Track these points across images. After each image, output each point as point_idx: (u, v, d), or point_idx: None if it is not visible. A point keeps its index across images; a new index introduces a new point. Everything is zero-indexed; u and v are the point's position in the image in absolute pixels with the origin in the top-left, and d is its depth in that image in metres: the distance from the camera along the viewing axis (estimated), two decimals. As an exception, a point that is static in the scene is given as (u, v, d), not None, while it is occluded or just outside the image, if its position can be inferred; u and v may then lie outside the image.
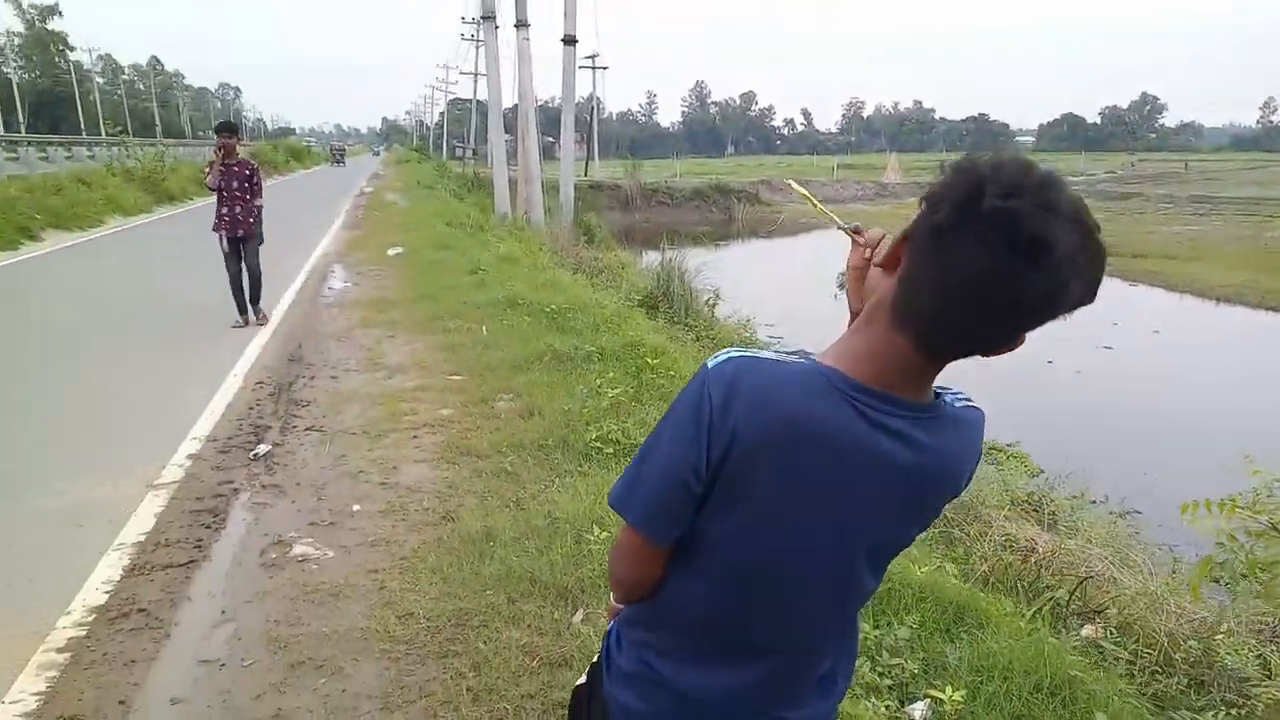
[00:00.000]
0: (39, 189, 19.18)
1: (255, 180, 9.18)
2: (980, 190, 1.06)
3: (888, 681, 2.96)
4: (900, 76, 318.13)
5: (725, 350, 1.28)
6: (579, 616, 3.49)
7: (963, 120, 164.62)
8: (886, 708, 2.77)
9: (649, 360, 6.81)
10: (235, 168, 9.04)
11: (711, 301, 13.72)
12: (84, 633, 3.51)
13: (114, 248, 16.23)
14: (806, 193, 1.76)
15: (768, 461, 1.23)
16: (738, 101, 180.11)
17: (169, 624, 3.58)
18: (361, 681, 3.17)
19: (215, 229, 9.15)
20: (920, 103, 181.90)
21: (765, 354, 1.26)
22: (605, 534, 3.92)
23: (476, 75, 56.69)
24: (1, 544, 4.25)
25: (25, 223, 16.34)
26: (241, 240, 9.12)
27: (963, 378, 1.34)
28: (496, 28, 21.29)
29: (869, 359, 1.21)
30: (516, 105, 22.66)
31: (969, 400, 1.36)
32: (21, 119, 74.37)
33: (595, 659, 1.62)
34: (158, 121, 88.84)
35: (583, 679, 1.68)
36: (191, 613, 3.68)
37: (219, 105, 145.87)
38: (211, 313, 9.27)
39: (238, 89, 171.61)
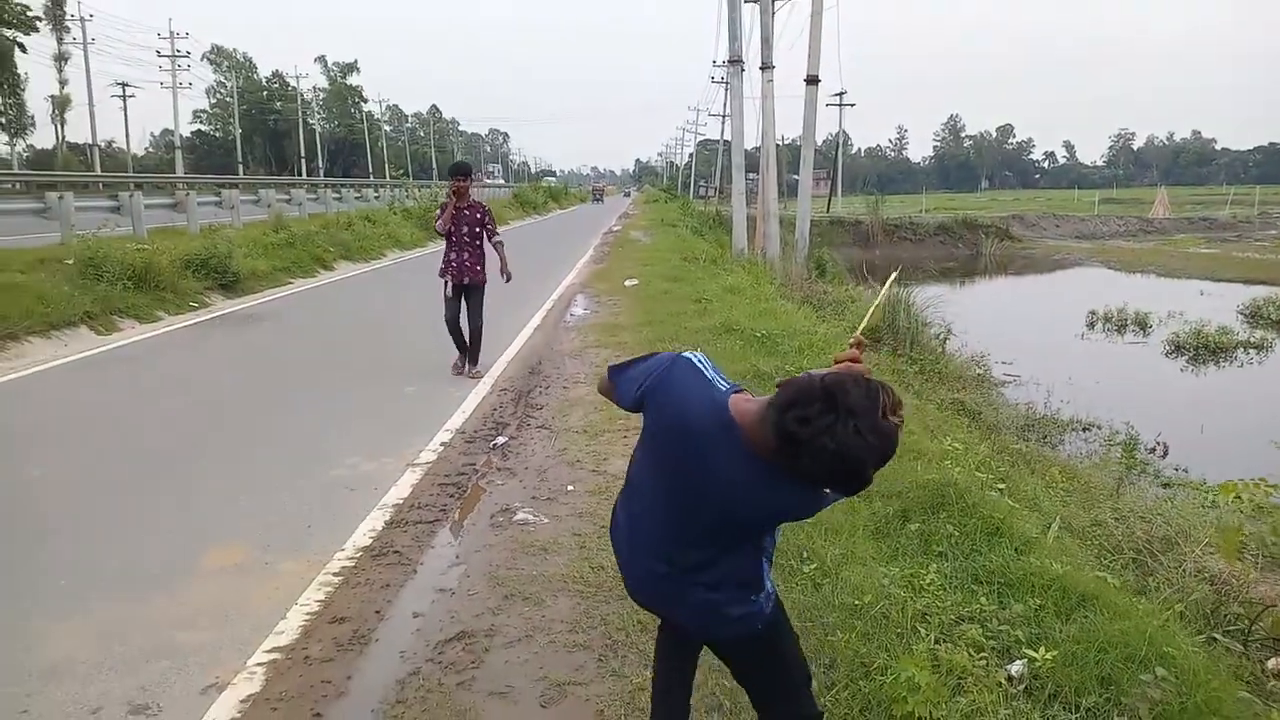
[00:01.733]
0: (333, 225, 22.07)
1: (488, 224, 8.69)
2: (789, 407, 1.72)
3: (994, 644, 3.36)
4: (1176, 104, 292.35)
5: (692, 352, 2.13)
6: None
7: (1249, 150, 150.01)
8: (985, 661, 3.18)
9: (844, 379, 7.26)
10: (467, 211, 8.59)
11: (942, 335, 13.74)
12: (353, 564, 4.50)
13: (392, 275, 18.49)
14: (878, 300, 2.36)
15: (659, 420, 2.10)
16: (994, 134, 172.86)
17: (415, 563, 4.53)
18: (557, 610, 3.93)
19: (441, 274, 8.73)
20: (1199, 133, 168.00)
21: (708, 370, 2.05)
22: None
23: (724, 117, 58.34)
24: (300, 500, 5.41)
25: (321, 254, 18.95)
26: (467, 290, 8.69)
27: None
28: (743, 70, 22.17)
29: (752, 424, 1.87)
30: (760, 145, 23.49)
31: None
32: (321, 163, 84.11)
33: None
34: (434, 164, 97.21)
35: None
36: (433, 556, 4.62)
37: (488, 149, 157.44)
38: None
39: (506, 134, 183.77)
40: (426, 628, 3.86)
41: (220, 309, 13.03)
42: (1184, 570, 5.87)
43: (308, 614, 3.99)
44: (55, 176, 27.56)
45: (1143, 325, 19.13)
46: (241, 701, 3.30)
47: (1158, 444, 9.72)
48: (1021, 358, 14.32)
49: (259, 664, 3.56)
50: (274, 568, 4.47)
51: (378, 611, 4.02)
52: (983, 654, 3.21)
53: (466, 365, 8.83)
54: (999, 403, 11.22)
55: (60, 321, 10.45)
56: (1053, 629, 3.44)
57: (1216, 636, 3.88)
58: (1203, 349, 16.42)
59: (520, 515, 5.05)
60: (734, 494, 1.96)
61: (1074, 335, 18.82)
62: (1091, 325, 19.61)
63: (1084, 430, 10.56)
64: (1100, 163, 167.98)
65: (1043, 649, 3.13)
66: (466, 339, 8.79)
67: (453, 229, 8.55)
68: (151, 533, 4.90)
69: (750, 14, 22.15)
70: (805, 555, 4.13)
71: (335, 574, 4.39)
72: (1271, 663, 4.52)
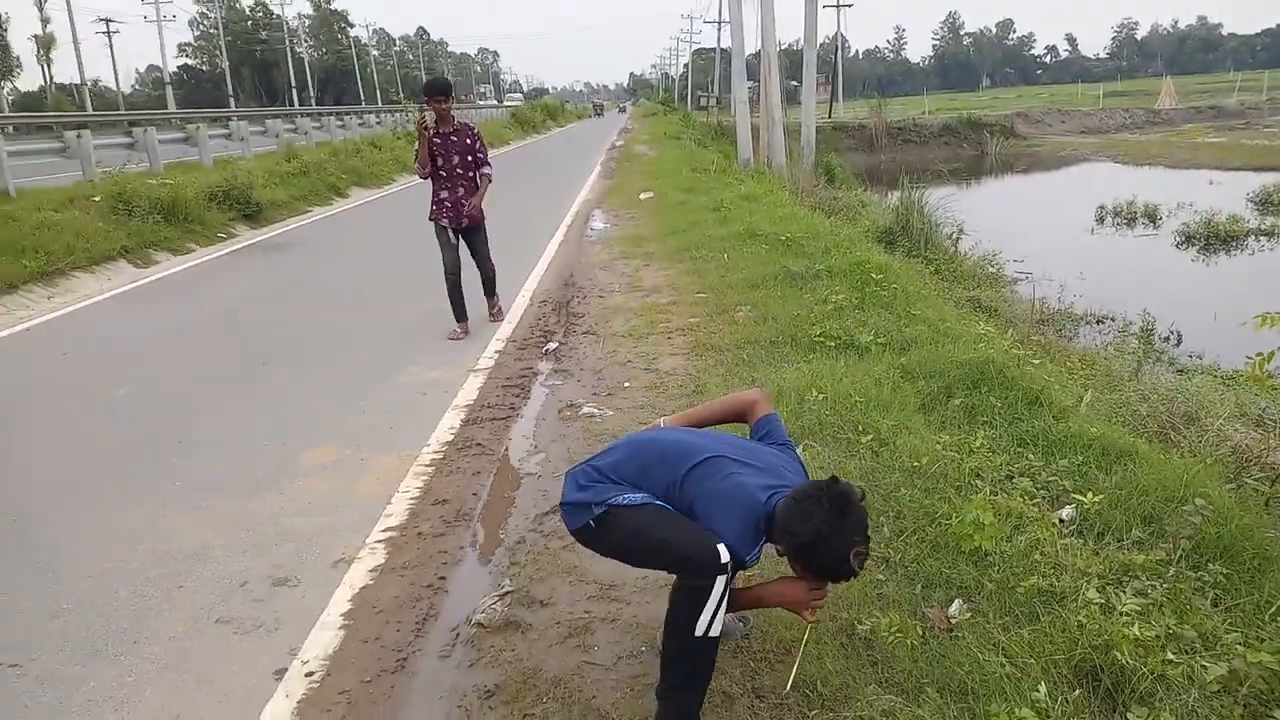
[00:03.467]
0: (342, 153, 22.06)
1: (479, 150, 7.27)
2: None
3: (1044, 493, 3.75)
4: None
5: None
6: (799, 449, 4.45)
7: (1257, 34, 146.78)
8: (1037, 506, 3.56)
9: (873, 275, 7.57)
10: (454, 138, 7.16)
11: (954, 236, 13.92)
12: (441, 456, 4.90)
13: (407, 200, 18.54)
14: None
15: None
16: (994, 30, 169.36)
17: (498, 453, 4.92)
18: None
19: (433, 217, 7.32)
20: (1204, 18, 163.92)
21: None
22: (822, 395, 4.86)
23: (720, 23, 57.65)
24: (377, 406, 5.80)
25: (335, 182, 19.12)
26: (466, 232, 7.39)
27: None
28: (741, -27, 21.90)
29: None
30: (759, 51, 23.26)
31: None
32: (312, 92, 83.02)
33: None
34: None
35: None
36: (513, 446, 5.01)
37: (479, 70, 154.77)
38: (497, 245, 10.73)
39: (496, 53, 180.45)
40: (522, 505, 4.25)
41: (248, 239, 13.29)
42: (1206, 440, 6.24)
43: (411, 499, 4.38)
44: (81, 116, 27.41)
45: (1152, 217, 19.25)
46: (370, 571, 3.71)
47: (1171, 333, 10.01)
48: (1033, 255, 14.48)
49: (378, 541, 3.96)
50: (369, 463, 4.86)
51: (474, 494, 4.41)
52: (1035, 501, 3.59)
53: (490, 307, 7.88)
54: (1013, 299, 11.49)
55: (100, 256, 10.76)
56: (1096, 480, 3.81)
57: (1246, 480, 4.23)
58: (1213, 238, 16.57)
59: (586, 409, 5.42)
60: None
61: (1084, 230, 18.98)
62: (1101, 220, 19.73)
63: (1098, 323, 10.84)
64: (1104, 55, 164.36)
65: (1089, 494, 3.49)
66: (483, 286, 7.78)
67: (441, 161, 7.17)
68: (246, 441, 5.27)
69: (749, -84, 21.81)
70: (861, 429, 4.49)
71: (427, 465, 4.78)
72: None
